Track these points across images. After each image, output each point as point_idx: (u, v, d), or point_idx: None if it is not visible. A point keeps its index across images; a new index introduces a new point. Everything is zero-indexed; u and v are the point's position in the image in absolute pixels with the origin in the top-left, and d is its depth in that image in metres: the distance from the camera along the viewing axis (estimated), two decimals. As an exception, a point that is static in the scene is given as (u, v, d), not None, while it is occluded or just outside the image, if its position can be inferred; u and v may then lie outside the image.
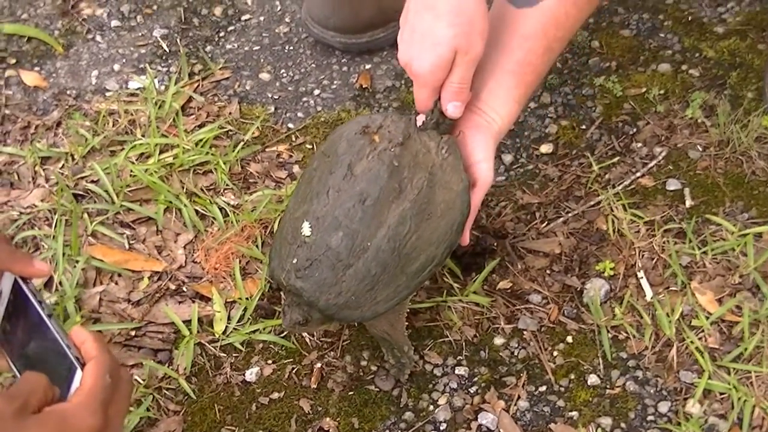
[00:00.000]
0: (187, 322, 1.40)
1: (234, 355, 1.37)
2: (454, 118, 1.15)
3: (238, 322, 1.40)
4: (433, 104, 1.14)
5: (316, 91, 1.79)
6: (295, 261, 1.10)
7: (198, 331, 1.39)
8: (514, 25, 1.20)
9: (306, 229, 1.10)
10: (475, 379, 1.32)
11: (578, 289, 1.41)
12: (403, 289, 1.12)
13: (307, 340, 1.37)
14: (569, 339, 1.36)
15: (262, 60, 1.85)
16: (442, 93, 1.11)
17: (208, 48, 1.87)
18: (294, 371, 1.35)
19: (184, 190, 1.57)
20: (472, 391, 1.31)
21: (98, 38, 1.90)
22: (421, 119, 1.17)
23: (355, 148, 1.11)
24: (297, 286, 1.11)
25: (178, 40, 1.87)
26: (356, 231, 1.07)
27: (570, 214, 1.51)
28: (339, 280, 1.08)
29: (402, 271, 1.10)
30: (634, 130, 1.62)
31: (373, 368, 1.34)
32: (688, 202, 1.49)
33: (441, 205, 1.10)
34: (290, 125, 1.73)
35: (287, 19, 1.91)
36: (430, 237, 1.10)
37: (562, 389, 1.30)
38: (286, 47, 1.87)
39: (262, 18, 1.92)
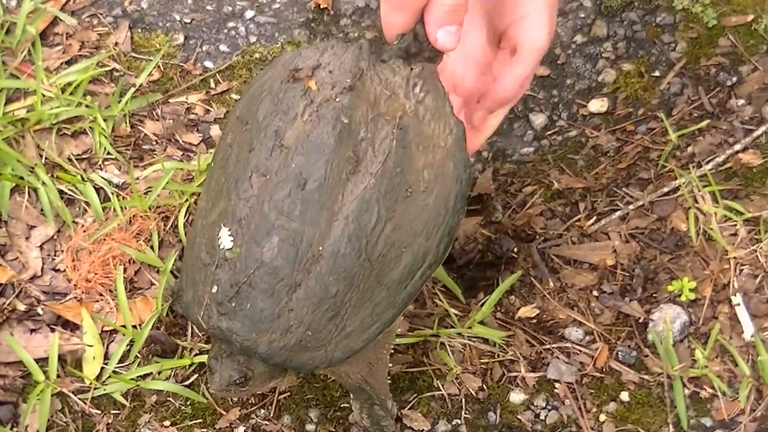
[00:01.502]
0: (43, 362, 1.41)
1: (113, 412, 1.39)
2: (448, 51, 1.13)
3: (120, 362, 1.42)
4: (413, 29, 1.11)
5: (249, 13, 1.80)
6: (215, 290, 1.11)
7: (59, 376, 1.41)
8: None
9: (225, 239, 1.11)
10: (480, 454, 1.36)
11: (640, 321, 1.43)
12: (384, 309, 1.13)
13: (226, 391, 1.41)
14: (625, 396, 1.38)
15: (167, -37, 1.88)
16: (428, 15, 1.09)
17: (86, -57, 1.88)
18: (204, 438, 1.38)
19: (43, 159, 1.59)
20: (474, 473, 1.35)
21: None
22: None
23: (282, 106, 1.11)
24: (222, 327, 1.12)
25: (39, -70, 1.88)
26: (298, 232, 1.08)
27: (631, 207, 1.53)
28: (283, 309, 1.09)
29: (378, 282, 1.11)
30: (734, 79, 1.64)
31: (325, 436, 1.37)
32: (814, 191, 1.52)
33: (424, 173, 1.10)
34: (208, 64, 1.75)
35: None
36: (414, 224, 1.10)
37: (612, 472, 1.34)
38: (206, -56, 1.90)
39: None
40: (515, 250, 1.49)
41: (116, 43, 1.75)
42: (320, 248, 1.07)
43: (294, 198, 1.07)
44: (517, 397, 1.39)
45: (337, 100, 1.08)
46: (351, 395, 1.33)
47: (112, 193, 1.56)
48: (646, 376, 1.39)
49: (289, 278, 1.07)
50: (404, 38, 1.10)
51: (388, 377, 1.34)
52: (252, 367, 1.15)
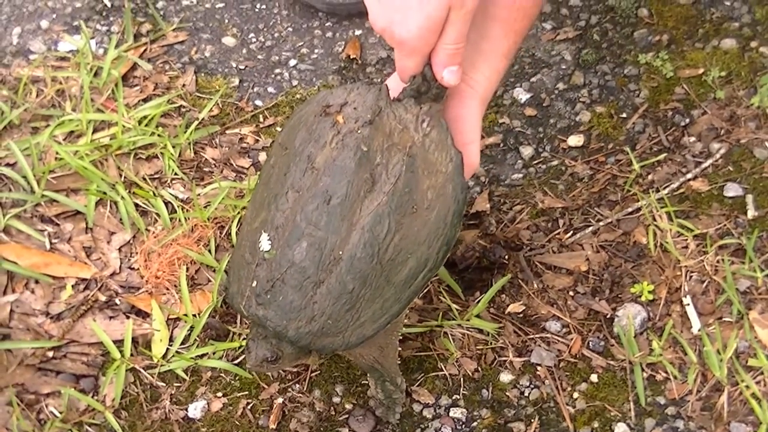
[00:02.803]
0: (119, 343, 1.42)
1: (175, 384, 1.39)
2: (451, 86, 1.13)
3: (182, 344, 1.43)
4: (422, 71, 1.12)
5: (292, 62, 1.81)
6: (254, 284, 1.12)
7: (132, 354, 1.41)
8: None
9: (264, 242, 1.12)
10: (475, 424, 1.34)
11: (608, 317, 1.43)
12: (392, 303, 1.14)
13: (268, 369, 1.40)
14: (594, 378, 1.38)
15: (226, 20, 1.88)
16: (435, 58, 1.10)
17: (160, 4, 1.89)
18: (249, 407, 1.37)
19: (122, 178, 1.59)
20: (469, 439, 1.33)
21: (24, -13, 1.92)
22: (393, 83, 1.15)
23: (315, 135, 1.12)
24: (259, 314, 1.12)
25: (122, -7, 1.89)
26: (323, 239, 1.08)
27: (601, 223, 1.53)
28: (309, 301, 1.10)
29: (387, 282, 1.11)
30: (687, 120, 1.65)
31: (348, 406, 1.37)
32: (751, 213, 1.51)
33: (427, 193, 1.11)
34: (258, 102, 1.75)
35: (260, -29, 1.94)
36: (418, 235, 1.11)
37: (583, 440, 1.32)
38: (257, 5, 1.89)
39: (228, -32, 1.95)
40: (506, 257, 1.49)
41: (184, 85, 1.76)
42: (340, 252, 1.08)
43: (321, 211, 1.08)
44: (505, 377, 1.39)
45: (359, 131, 1.10)
46: (367, 374, 1.33)
47: (178, 206, 1.56)
48: (611, 362, 1.39)
49: (314, 276, 1.09)
50: (415, 79, 1.11)
51: (399, 360, 1.33)
52: (282, 348, 1.16)
